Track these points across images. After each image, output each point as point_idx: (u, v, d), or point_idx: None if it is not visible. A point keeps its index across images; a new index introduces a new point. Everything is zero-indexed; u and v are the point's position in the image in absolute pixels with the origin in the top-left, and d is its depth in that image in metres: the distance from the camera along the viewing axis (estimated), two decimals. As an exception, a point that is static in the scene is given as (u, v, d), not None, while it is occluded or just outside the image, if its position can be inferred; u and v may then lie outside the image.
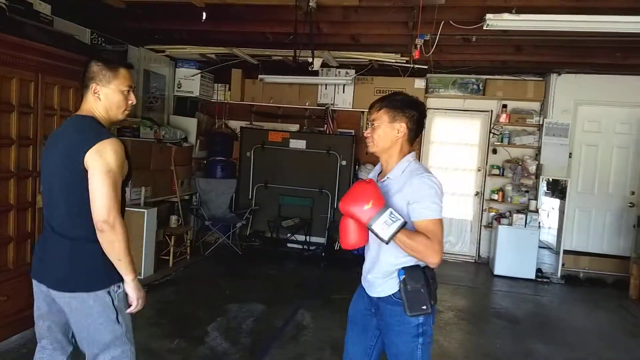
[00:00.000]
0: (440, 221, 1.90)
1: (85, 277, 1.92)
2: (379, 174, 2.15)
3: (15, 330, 3.39)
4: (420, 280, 1.92)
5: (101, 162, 1.84)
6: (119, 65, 2.01)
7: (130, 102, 2.06)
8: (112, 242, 1.86)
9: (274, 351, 3.51)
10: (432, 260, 1.87)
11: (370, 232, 1.87)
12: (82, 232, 1.90)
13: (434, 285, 1.97)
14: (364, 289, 2.18)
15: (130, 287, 1.98)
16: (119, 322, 1.98)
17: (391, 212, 1.82)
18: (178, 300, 4.45)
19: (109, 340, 1.97)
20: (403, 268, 1.95)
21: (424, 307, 1.91)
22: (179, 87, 6.43)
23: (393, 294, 1.98)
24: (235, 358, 3.37)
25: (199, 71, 6.38)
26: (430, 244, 1.83)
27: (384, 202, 1.84)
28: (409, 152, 2.07)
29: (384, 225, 1.81)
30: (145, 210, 4.92)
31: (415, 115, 2.01)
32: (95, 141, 1.86)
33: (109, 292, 1.94)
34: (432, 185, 1.91)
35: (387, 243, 1.84)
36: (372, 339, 2.13)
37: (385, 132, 2.00)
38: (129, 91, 2.03)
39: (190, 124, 6.41)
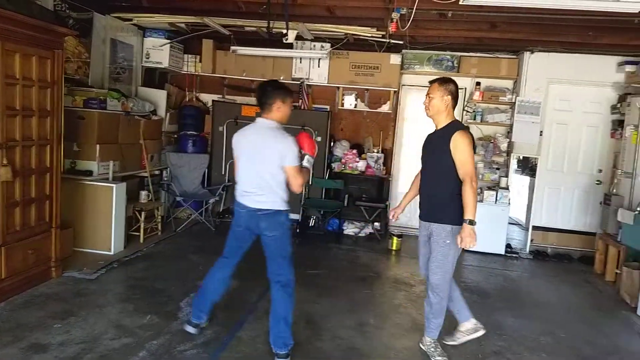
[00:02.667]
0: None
1: None
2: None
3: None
4: None
5: None
6: None
7: None
8: None
9: (248, 325, 3.48)
10: None
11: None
12: None
13: None
14: None
15: None
16: None
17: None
18: (150, 276, 4.36)
19: None
20: None
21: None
22: (148, 58, 6.20)
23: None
24: (209, 333, 3.33)
25: (168, 41, 6.16)
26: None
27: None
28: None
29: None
30: (114, 185, 4.77)
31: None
32: None
33: None
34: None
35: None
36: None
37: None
38: None
39: (159, 96, 6.21)
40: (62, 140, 4.14)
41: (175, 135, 6.58)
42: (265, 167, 2.98)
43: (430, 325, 3.23)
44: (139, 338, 3.18)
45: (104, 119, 4.92)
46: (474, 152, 3.06)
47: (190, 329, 3.25)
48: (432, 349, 3.22)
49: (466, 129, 3.09)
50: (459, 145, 2.94)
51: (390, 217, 3.56)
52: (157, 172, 6.12)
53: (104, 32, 5.49)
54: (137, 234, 5.28)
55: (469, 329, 3.36)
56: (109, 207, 4.74)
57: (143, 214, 5.24)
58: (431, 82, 3.20)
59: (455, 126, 3.04)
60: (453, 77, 6.34)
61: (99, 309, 3.58)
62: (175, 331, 3.32)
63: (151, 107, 5.87)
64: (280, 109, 3.04)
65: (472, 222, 2.92)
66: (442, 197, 3.05)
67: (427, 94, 3.14)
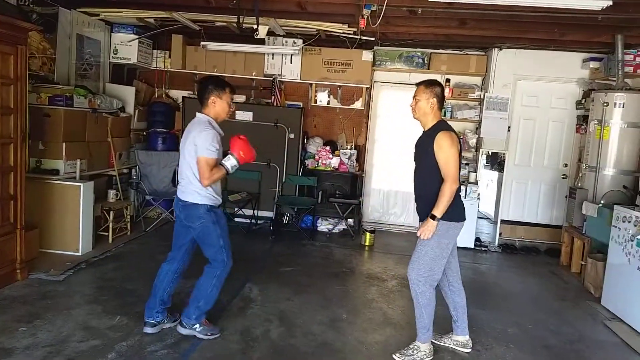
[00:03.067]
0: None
1: None
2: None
3: None
4: None
5: None
6: None
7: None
8: None
9: (220, 325, 3.45)
10: None
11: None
12: None
13: None
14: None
15: None
16: None
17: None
18: (119, 276, 4.28)
19: None
20: None
21: None
22: (115, 54, 6.08)
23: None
24: (180, 333, 3.29)
25: (137, 37, 6.04)
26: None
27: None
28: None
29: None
30: (81, 184, 4.66)
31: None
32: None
33: None
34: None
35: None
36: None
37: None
38: None
39: (127, 93, 6.10)
40: (27, 139, 4.02)
41: (145, 133, 6.47)
42: (186, 159, 3.12)
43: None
44: (108, 339, 3.13)
45: (70, 116, 4.80)
46: (460, 153, 3.08)
47: (147, 329, 3.25)
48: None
49: (450, 129, 3.08)
50: (442, 146, 2.99)
51: None
52: (125, 171, 6.01)
53: (70, 28, 5.34)
54: (106, 234, 5.18)
55: (460, 342, 3.40)
56: (76, 206, 4.64)
57: (112, 213, 5.14)
58: (417, 84, 3.22)
59: (440, 127, 3.07)
60: (422, 73, 6.55)
61: (66, 311, 3.50)
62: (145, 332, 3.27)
63: (119, 104, 5.75)
64: (215, 104, 3.15)
65: (434, 218, 2.98)
66: (430, 196, 3.04)
67: (414, 96, 3.17)
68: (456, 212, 3.10)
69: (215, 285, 3.21)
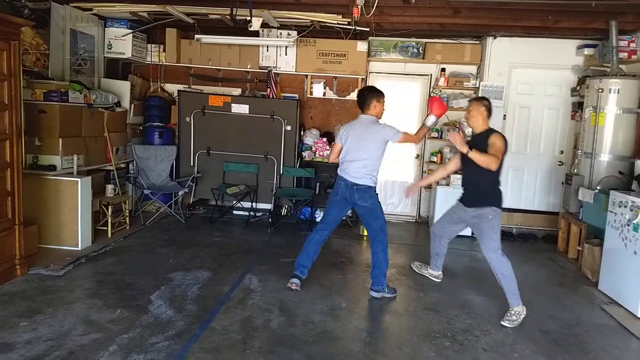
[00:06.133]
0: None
1: None
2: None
3: None
4: None
5: None
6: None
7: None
8: None
9: (220, 315, 3.48)
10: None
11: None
12: None
13: None
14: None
15: None
16: None
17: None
18: (119, 270, 4.30)
19: None
20: None
21: None
22: (110, 48, 6.06)
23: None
24: (181, 324, 3.31)
25: (131, 31, 6.02)
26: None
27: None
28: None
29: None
30: (79, 179, 4.67)
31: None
32: None
33: None
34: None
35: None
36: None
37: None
38: None
39: (123, 88, 6.08)
40: (23, 135, 4.02)
41: (141, 127, 6.46)
42: (367, 150, 3.87)
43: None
44: (110, 332, 3.15)
45: (66, 112, 4.79)
46: (505, 153, 3.70)
47: (295, 281, 4.00)
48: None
49: (501, 134, 3.80)
50: (495, 142, 3.66)
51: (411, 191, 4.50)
52: (123, 166, 6.01)
53: (63, 23, 5.32)
54: (105, 228, 5.19)
55: (434, 274, 4.47)
56: (74, 202, 4.64)
57: (110, 208, 5.15)
58: (469, 100, 4.26)
59: (492, 131, 3.81)
60: (418, 63, 6.55)
61: (67, 305, 3.52)
62: (146, 324, 3.29)
63: (115, 99, 5.74)
64: (376, 107, 3.97)
65: (468, 151, 3.61)
66: (480, 187, 3.80)
67: (468, 109, 3.97)
68: (499, 200, 3.82)
69: (385, 250, 3.96)
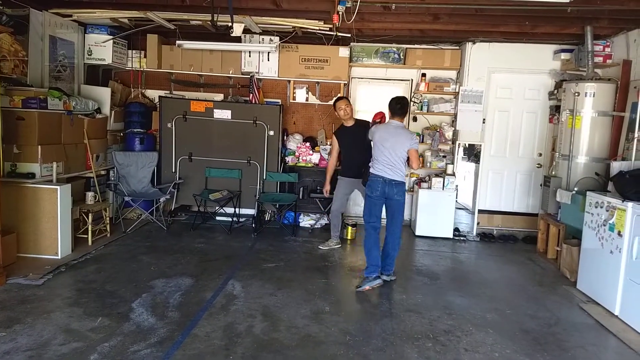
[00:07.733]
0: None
1: None
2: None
3: None
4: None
5: None
6: None
7: None
8: None
9: (203, 322, 3.47)
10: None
11: None
12: None
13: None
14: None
15: None
16: None
17: None
18: (99, 278, 4.25)
19: None
20: None
21: None
22: (90, 55, 6.01)
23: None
24: (163, 332, 3.29)
25: (111, 37, 5.98)
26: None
27: None
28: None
29: None
30: (58, 187, 4.61)
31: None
32: None
33: None
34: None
35: None
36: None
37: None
38: None
39: (103, 94, 6.03)
40: (1, 142, 3.96)
41: (122, 134, 6.41)
42: (398, 151, 4.35)
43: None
44: (90, 341, 3.11)
45: (44, 119, 4.74)
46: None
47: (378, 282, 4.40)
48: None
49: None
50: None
51: None
52: (103, 172, 5.95)
53: (42, 29, 5.26)
54: (85, 236, 5.13)
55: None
56: (54, 210, 4.59)
57: (90, 215, 5.10)
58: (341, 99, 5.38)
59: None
60: (399, 69, 6.63)
61: (46, 314, 3.47)
62: (128, 332, 3.26)
63: (95, 106, 5.68)
64: (402, 116, 4.53)
65: None
66: None
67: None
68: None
69: (399, 241, 4.56)
